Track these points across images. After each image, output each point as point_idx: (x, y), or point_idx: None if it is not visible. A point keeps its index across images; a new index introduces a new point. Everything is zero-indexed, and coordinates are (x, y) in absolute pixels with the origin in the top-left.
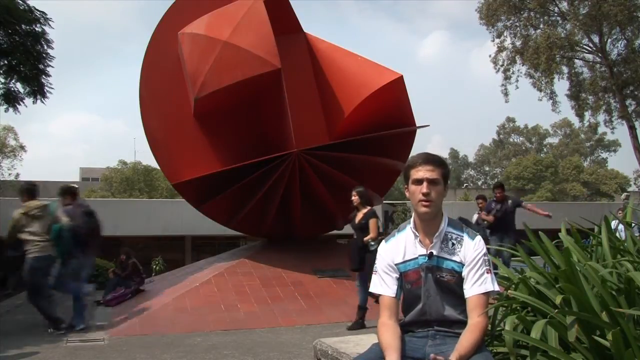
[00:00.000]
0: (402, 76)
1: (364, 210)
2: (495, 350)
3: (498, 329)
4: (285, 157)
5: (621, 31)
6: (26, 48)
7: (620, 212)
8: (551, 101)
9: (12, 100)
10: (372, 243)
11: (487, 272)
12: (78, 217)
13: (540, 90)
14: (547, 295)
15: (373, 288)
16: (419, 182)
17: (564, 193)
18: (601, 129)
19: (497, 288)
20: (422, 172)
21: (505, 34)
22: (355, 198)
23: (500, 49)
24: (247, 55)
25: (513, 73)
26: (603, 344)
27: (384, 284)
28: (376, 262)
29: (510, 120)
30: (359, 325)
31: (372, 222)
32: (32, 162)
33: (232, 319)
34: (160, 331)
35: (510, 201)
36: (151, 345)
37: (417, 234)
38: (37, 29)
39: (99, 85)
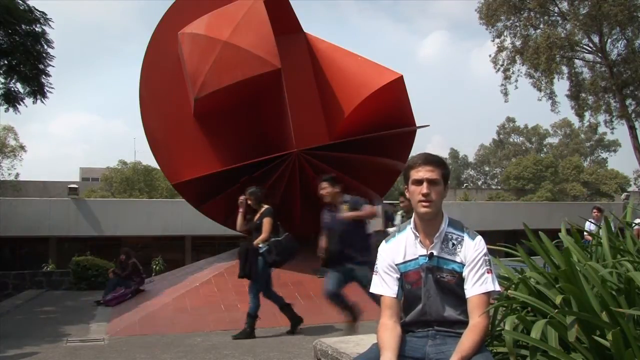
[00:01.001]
0: (402, 76)
1: (261, 210)
2: (495, 350)
3: (498, 329)
4: (285, 157)
5: (621, 31)
6: (26, 48)
7: (595, 211)
8: (550, 101)
9: (12, 100)
10: (261, 245)
11: (488, 272)
12: None
13: (540, 90)
14: (547, 295)
15: (374, 288)
16: (418, 182)
17: (564, 193)
18: (601, 129)
19: (497, 288)
20: (422, 172)
21: (505, 34)
22: (250, 201)
23: (500, 49)
24: (247, 55)
25: (513, 73)
26: (603, 344)
27: (384, 284)
28: (377, 262)
29: (510, 120)
30: (246, 334)
31: (265, 222)
32: (32, 162)
33: (232, 319)
34: (160, 331)
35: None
36: (151, 345)
37: (417, 234)
38: (37, 29)
39: (99, 85)
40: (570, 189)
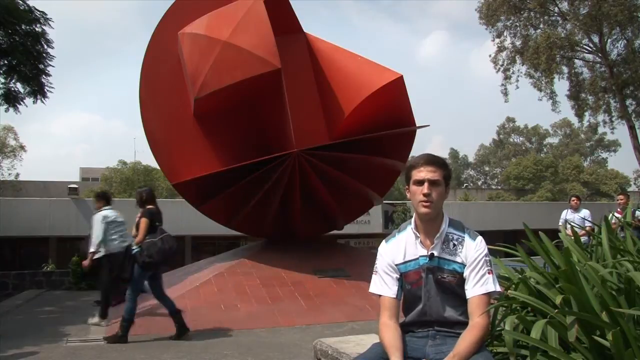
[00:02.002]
0: (402, 76)
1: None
2: (495, 350)
3: (498, 329)
4: (285, 157)
5: (621, 31)
6: (26, 48)
7: (573, 199)
8: (551, 101)
9: (12, 100)
10: (134, 247)
11: (489, 273)
12: None
13: (540, 90)
14: (547, 295)
15: (373, 288)
16: (420, 182)
17: (564, 193)
18: (601, 129)
19: (498, 288)
20: (423, 172)
21: (505, 34)
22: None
23: (500, 49)
24: (247, 55)
25: (513, 73)
26: (603, 344)
27: (384, 284)
28: (376, 262)
29: (510, 120)
30: (116, 338)
31: (140, 223)
32: (32, 162)
33: (232, 319)
34: (160, 331)
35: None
36: (151, 345)
37: (417, 234)
38: (37, 29)
39: (99, 85)
40: (570, 189)
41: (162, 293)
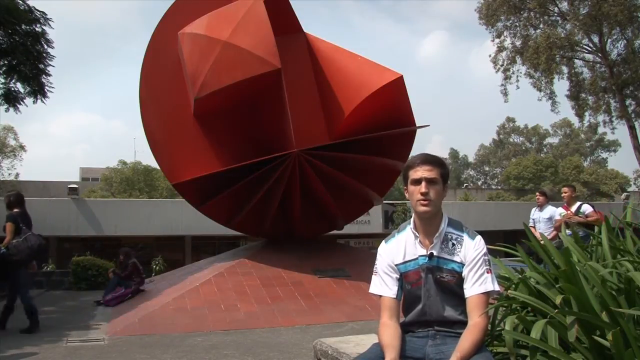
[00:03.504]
0: (402, 76)
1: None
2: (495, 350)
3: (498, 329)
4: (285, 157)
5: (621, 31)
6: (26, 48)
7: (537, 195)
8: (551, 101)
9: (12, 100)
10: (2, 249)
11: (487, 272)
12: None
13: (540, 90)
14: (547, 295)
15: (373, 289)
16: (417, 182)
17: None
18: (601, 129)
19: (497, 288)
20: (420, 172)
21: (505, 34)
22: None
23: (500, 49)
24: (247, 55)
25: (513, 73)
26: (603, 344)
27: (384, 284)
28: (376, 262)
29: (510, 120)
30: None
31: (6, 226)
32: (32, 162)
33: (232, 319)
34: (160, 331)
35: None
36: (151, 345)
37: (417, 234)
38: (37, 29)
39: (99, 85)
40: None
41: (18, 290)
